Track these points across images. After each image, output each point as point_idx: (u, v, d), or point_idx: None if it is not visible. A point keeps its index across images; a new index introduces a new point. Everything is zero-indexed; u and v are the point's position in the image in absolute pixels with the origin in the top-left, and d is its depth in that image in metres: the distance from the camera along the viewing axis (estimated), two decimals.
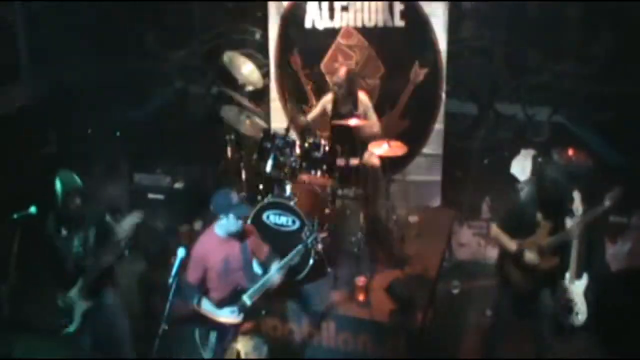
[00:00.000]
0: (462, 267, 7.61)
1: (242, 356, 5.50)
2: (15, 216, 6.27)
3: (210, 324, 5.49)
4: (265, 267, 5.57)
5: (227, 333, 5.48)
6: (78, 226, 5.70)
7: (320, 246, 6.06)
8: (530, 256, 5.69)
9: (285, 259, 5.53)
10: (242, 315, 5.46)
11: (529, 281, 5.81)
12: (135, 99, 8.70)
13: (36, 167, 8.10)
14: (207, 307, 5.50)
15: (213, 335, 5.47)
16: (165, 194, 7.85)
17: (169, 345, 5.22)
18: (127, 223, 5.51)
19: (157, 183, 7.92)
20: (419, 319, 6.17)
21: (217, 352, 5.47)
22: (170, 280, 5.29)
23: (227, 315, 5.46)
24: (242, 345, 5.52)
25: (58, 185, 5.71)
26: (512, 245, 5.74)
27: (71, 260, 5.68)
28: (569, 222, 5.72)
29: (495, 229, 5.92)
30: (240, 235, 5.52)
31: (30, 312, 7.02)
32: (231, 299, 5.47)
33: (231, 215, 5.37)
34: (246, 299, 5.44)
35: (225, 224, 5.42)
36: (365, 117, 7.07)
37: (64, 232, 5.70)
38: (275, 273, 5.48)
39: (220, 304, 5.48)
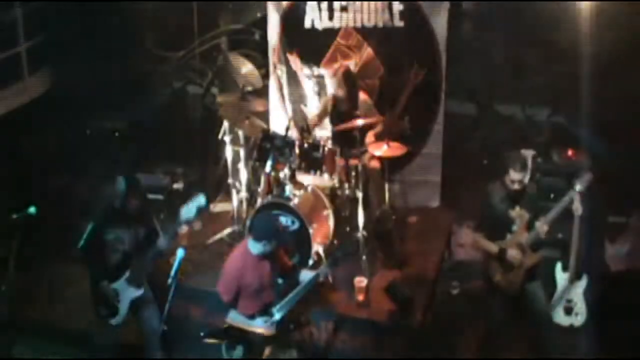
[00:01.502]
0: (461, 268, 7.60)
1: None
2: (15, 216, 6.29)
3: (239, 337, 5.50)
4: (289, 282, 5.61)
5: (252, 346, 5.49)
6: (132, 223, 5.83)
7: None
8: (512, 253, 5.74)
9: (310, 279, 5.54)
10: (274, 327, 5.48)
11: (516, 280, 5.85)
12: (135, 99, 8.71)
13: (36, 167, 8.12)
14: (237, 318, 5.53)
15: (239, 349, 5.48)
16: (165, 194, 7.84)
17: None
18: (194, 205, 5.55)
19: (156, 183, 7.92)
20: (418, 319, 6.17)
21: None
22: (170, 280, 5.31)
23: (261, 325, 5.49)
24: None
25: (122, 184, 5.80)
26: (493, 247, 5.82)
27: (120, 254, 5.77)
28: (542, 217, 5.74)
29: (473, 235, 5.98)
30: (272, 255, 5.53)
31: (31, 313, 7.05)
32: (260, 313, 5.50)
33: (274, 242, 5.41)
34: (275, 313, 5.47)
35: (263, 247, 5.41)
36: (366, 117, 7.06)
37: (117, 228, 5.79)
38: (301, 291, 5.48)
39: (250, 318, 5.52)
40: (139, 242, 5.90)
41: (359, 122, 6.82)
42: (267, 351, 5.52)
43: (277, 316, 5.47)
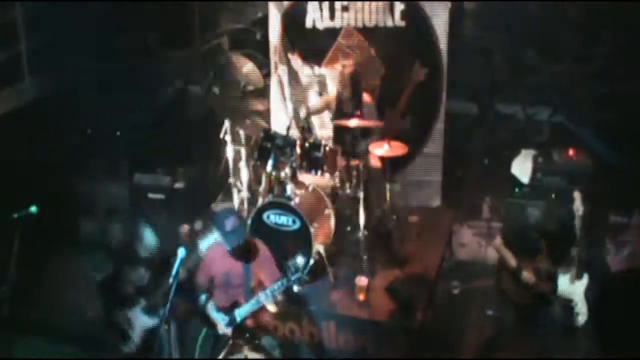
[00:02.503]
0: (462, 267, 7.60)
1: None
2: (15, 215, 6.28)
3: (204, 322, 5.54)
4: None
5: (221, 337, 5.50)
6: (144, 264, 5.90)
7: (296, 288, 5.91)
8: (527, 276, 5.77)
9: (269, 290, 5.38)
10: (230, 329, 5.47)
11: (523, 296, 5.88)
12: (136, 98, 8.70)
13: (37, 167, 8.11)
14: (210, 307, 5.53)
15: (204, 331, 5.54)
16: (166, 193, 7.84)
17: None
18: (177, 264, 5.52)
19: (157, 183, 7.92)
20: (419, 319, 6.17)
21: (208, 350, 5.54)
22: (171, 280, 5.30)
23: (219, 321, 5.49)
24: (252, 355, 5.50)
25: (148, 240, 5.86)
26: (512, 261, 5.87)
27: (134, 285, 5.81)
28: (572, 252, 5.75)
29: (498, 241, 6.00)
30: (245, 254, 5.46)
31: (32, 313, 7.04)
32: (228, 310, 5.49)
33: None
34: (237, 315, 5.46)
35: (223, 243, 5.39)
36: (368, 118, 7.06)
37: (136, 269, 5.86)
38: (259, 301, 5.39)
39: (219, 310, 5.51)
40: (154, 277, 5.97)
41: (352, 122, 6.82)
42: (225, 348, 5.50)
43: (238, 319, 5.44)
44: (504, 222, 7.15)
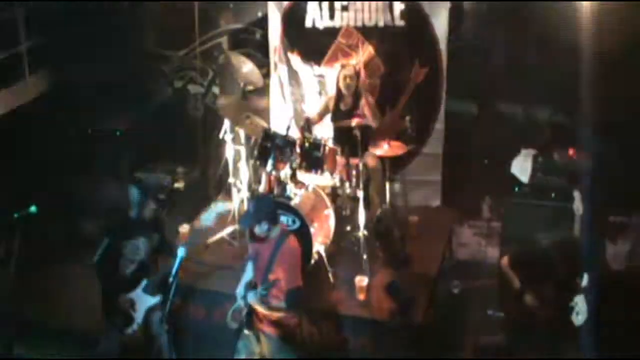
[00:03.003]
0: (462, 267, 7.60)
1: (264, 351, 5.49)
2: (16, 215, 6.29)
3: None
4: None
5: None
6: (148, 231, 5.85)
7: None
8: (530, 300, 5.76)
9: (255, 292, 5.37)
10: (242, 303, 5.43)
11: (522, 318, 5.89)
12: (136, 98, 8.71)
13: (37, 167, 8.12)
14: (249, 267, 5.54)
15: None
16: (166, 193, 7.84)
17: None
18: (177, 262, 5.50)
19: (157, 182, 7.92)
20: (419, 319, 6.17)
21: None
22: (171, 279, 5.31)
23: (238, 290, 5.48)
24: (265, 343, 5.48)
25: (136, 193, 5.81)
26: (516, 283, 5.83)
27: (136, 264, 5.79)
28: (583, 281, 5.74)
29: (505, 263, 6.00)
30: (275, 243, 5.39)
31: (31, 312, 7.04)
32: (248, 287, 5.43)
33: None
34: (249, 297, 5.38)
35: (259, 228, 5.37)
36: (366, 116, 7.06)
37: (133, 239, 5.79)
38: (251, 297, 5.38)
39: (247, 283, 5.49)
40: (155, 249, 5.95)
41: (354, 121, 6.83)
42: (262, 338, 5.47)
43: (249, 300, 5.38)
44: (503, 223, 7.15)
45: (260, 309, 5.36)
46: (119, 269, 5.87)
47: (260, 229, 5.34)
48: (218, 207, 7.92)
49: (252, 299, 5.33)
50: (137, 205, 5.88)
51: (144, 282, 5.83)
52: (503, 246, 7.06)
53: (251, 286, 5.42)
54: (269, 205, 5.49)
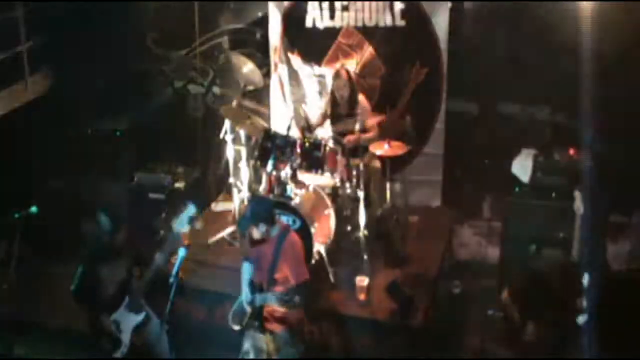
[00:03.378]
0: (462, 267, 7.60)
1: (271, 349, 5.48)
2: (16, 216, 6.27)
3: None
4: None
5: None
6: (123, 252, 5.70)
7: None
8: (531, 330, 5.77)
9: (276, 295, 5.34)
10: (248, 307, 5.43)
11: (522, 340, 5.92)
12: (136, 98, 8.70)
13: (37, 167, 8.11)
14: (246, 268, 5.48)
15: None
16: (166, 193, 7.83)
17: None
18: (185, 215, 5.46)
19: (157, 182, 7.91)
20: (419, 319, 6.17)
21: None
22: (171, 279, 5.30)
23: (244, 293, 5.46)
24: (271, 341, 5.48)
25: (105, 221, 5.66)
26: (516, 315, 5.85)
27: (115, 285, 5.66)
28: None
29: (506, 296, 6.01)
30: (277, 242, 5.39)
31: (31, 312, 7.04)
32: (254, 289, 5.41)
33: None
34: (257, 299, 5.39)
35: (259, 231, 5.38)
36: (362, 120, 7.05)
37: (109, 263, 5.69)
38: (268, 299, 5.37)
39: (250, 284, 5.45)
40: (134, 267, 5.72)
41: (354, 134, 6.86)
42: (269, 338, 5.47)
43: (257, 303, 5.39)
44: (504, 223, 7.13)
45: (278, 308, 5.35)
46: (100, 293, 5.69)
47: (258, 232, 5.33)
48: (219, 207, 7.91)
49: (271, 301, 5.31)
50: (108, 234, 5.68)
51: (126, 300, 5.66)
52: (503, 247, 7.04)
53: (256, 288, 5.41)
54: (266, 207, 5.45)
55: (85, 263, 5.67)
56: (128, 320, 5.66)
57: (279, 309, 5.39)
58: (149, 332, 5.74)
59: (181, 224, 5.44)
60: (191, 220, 5.39)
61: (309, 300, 5.50)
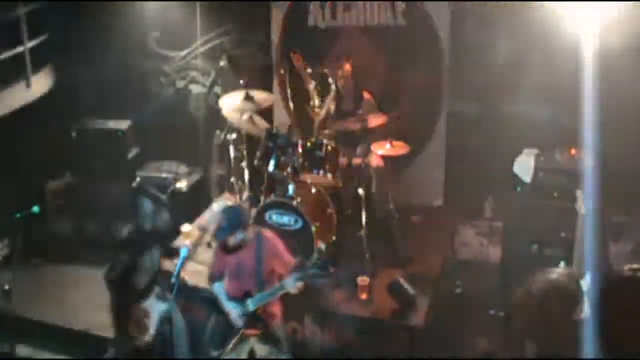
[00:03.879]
0: (464, 267, 7.59)
1: (257, 356, 5.52)
2: (18, 215, 6.29)
3: (217, 309, 5.57)
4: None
5: (226, 324, 5.52)
6: (159, 241, 5.83)
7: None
8: (530, 347, 5.77)
9: (281, 284, 5.40)
10: (243, 318, 5.47)
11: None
12: (138, 98, 8.72)
13: (39, 167, 8.13)
14: (219, 289, 5.56)
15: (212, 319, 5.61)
16: (168, 193, 7.84)
17: None
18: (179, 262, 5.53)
19: (159, 182, 7.92)
20: (421, 318, 6.17)
21: (217, 338, 5.55)
22: (173, 279, 5.31)
23: (230, 309, 5.50)
24: (257, 346, 5.53)
25: (148, 205, 5.83)
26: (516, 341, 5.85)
27: (149, 274, 5.79)
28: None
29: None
30: (255, 245, 5.49)
31: (32, 312, 7.05)
32: (240, 300, 5.48)
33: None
34: (250, 304, 5.44)
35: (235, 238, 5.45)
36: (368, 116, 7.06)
37: (147, 252, 5.83)
38: (274, 293, 5.42)
39: (230, 299, 5.53)
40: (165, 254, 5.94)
41: (352, 125, 6.83)
42: (255, 345, 5.52)
43: (251, 307, 5.43)
44: (505, 223, 7.13)
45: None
46: (135, 284, 5.87)
47: (235, 239, 5.41)
48: (220, 206, 7.92)
49: (273, 295, 5.37)
50: (151, 217, 5.88)
51: (156, 290, 5.81)
52: (504, 247, 7.04)
53: (243, 298, 5.46)
54: (239, 214, 5.53)
55: (129, 253, 5.81)
56: (156, 308, 5.81)
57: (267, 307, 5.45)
58: (175, 321, 5.84)
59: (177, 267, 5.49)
60: (184, 262, 5.44)
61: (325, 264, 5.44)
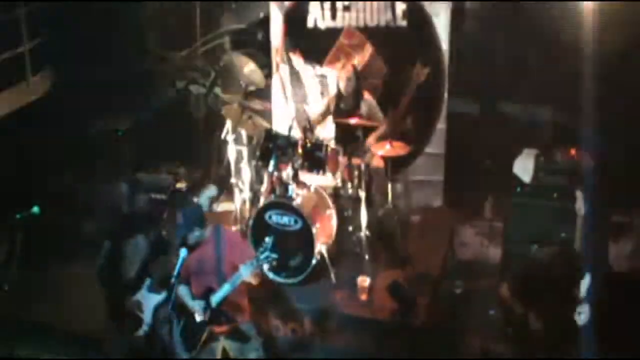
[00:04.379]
0: (464, 267, 7.59)
1: (230, 355, 5.55)
2: (18, 216, 6.29)
3: (182, 312, 5.56)
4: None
5: (192, 325, 5.52)
6: (144, 226, 5.83)
7: (266, 267, 5.68)
8: (534, 321, 5.77)
9: (238, 274, 5.43)
10: (207, 314, 5.47)
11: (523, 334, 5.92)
12: (138, 98, 8.71)
13: (39, 167, 8.12)
14: (182, 291, 5.57)
15: (182, 322, 5.58)
16: (167, 193, 7.83)
17: None
18: (206, 196, 5.62)
19: (159, 183, 7.91)
20: (421, 319, 6.17)
21: (187, 340, 5.54)
22: (172, 279, 5.32)
23: (195, 308, 5.51)
24: (228, 344, 5.55)
25: (125, 187, 5.86)
26: (518, 307, 5.84)
27: (137, 264, 5.81)
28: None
29: (505, 289, 6.01)
30: (214, 240, 5.59)
31: (32, 312, 7.04)
32: (203, 297, 5.51)
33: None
34: (212, 301, 5.46)
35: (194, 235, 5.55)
36: (369, 116, 7.06)
37: (132, 237, 5.82)
38: (234, 282, 5.42)
39: (194, 298, 5.56)
40: (153, 245, 5.93)
41: (352, 120, 6.84)
42: (224, 343, 5.54)
43: (213, 304, 5.45)
44: (505, 223, 7.13)
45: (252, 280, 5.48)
46: (122, 273, 5.87)
47: (193, 237, 5.50)
48: (220, 207, 7.91)
49: (234, 283, 5.37)
50: (129, 200, 5.89)
51: (147, 281, 5.82)
52: (505, 247, 7.04)
53: (206, 295, 5.50)
54: (196, 212, 5.68)
55: (110, 238, 5.81)
56: (149, 300, 5.81)
57: (231, 302, 5.48)
58: (174, 322, 5.83)
59: (202, 204, 5.56)
60: (211, 201, 5.52)
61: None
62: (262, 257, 5.34)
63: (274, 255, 5.36)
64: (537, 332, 5.77)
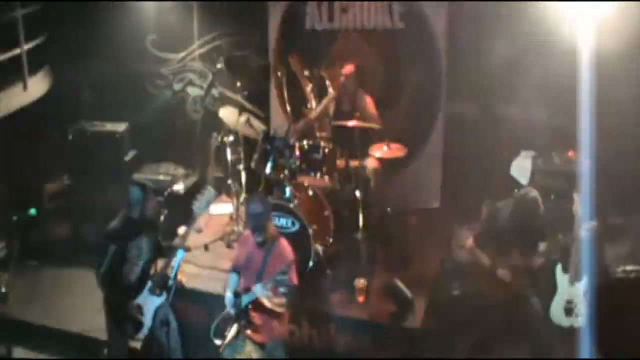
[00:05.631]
0: (461, 268, 7.59)
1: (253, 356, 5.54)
2: (15, 218, 6.29)
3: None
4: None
5: (228, 317, 5.53)
6: (150, 230, 5.89)
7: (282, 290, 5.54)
8: (503, 273, 5.79)
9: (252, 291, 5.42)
10: (233, 310, 5.47)
11: (499, 295, 5.92)
12: (135, 100, 8.72)
13: (37, 169, 8.13)
14: (231, 279, 5.66)
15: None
16: (165, 195, 7.84)
17: None
18: (205, 199, 5.60)
19: (156, 184, 7.91)
20: (418, 320, 6.17)
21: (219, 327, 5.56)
22: (170, 282, 5.32)
23: (227, 301, 5.52)
24: (254, 350, 5.54)
25: (138, 192, 5.85)
26: (486, 260, 5.86)
27: (140, 267, 5.81)
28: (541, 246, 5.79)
29: (470, 243, 6.03)
30: (267, 246, 5.52)
31: (31, 313, 7.05)
32: (239, 293, 5.50)
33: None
34: (242, 300, 5.44)
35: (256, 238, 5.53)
36: (366, 118, 7.06)
37: (137, 242, 5.82)
38: (249, 297, 5.43)
39: (234, 290, 5.56)
40: (155, 248, 5.96)
41: (350, 122, 6.84)
42: (251, 347, 5.54)
43: (243, 303, 5.45)
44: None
45: (266, 302, 5.40)
46: (125, 276, 5.87)
47: (259, 237, 5.47)
48: (217, 209, 7.92)
49: (262, 291, 5.34)
50: (139, 204, 5.89)
51: (149, 284, 5.82)
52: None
53: (242, 292, 5.49)
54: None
55: (118, 243, 5.80)
56: (150, 303, 5.81)
57: (263, 315, 5.46)
58: (171, 323, 5.90)
59: (200, 208, 5.55)
60: (209, 204, 5.52)
61: (295, 305, 5.61)
62: (278, 278, 5.27)
63: (286, 281, 5.28)
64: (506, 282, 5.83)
